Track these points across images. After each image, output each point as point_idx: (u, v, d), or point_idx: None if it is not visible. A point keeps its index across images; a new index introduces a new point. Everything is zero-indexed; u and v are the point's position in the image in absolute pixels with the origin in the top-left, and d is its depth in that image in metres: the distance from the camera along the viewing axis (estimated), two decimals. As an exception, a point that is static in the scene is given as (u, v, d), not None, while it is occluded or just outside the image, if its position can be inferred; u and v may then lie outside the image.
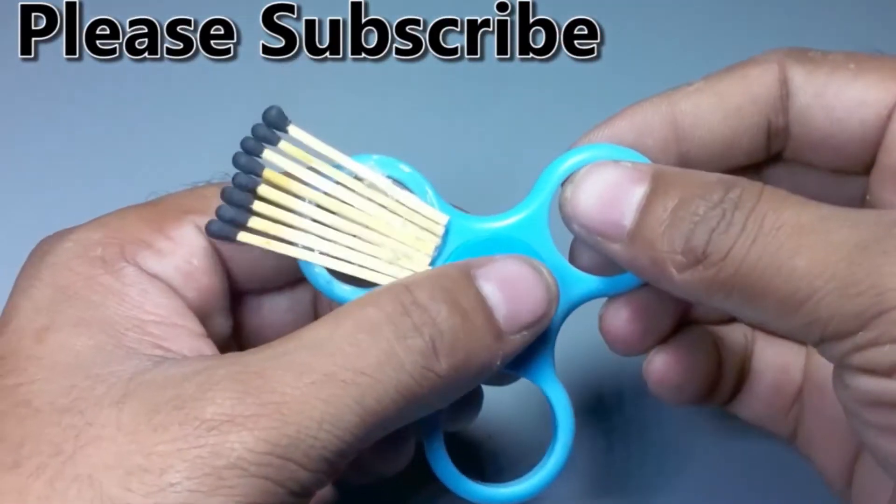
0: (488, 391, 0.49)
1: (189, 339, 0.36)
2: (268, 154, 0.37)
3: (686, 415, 0.53)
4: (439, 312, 0.34)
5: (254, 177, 0.36)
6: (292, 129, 0.37)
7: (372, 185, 0.38)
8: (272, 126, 0.37)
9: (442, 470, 0.39)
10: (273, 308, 0.42)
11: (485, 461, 0.53)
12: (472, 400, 0.44)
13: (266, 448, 0.30)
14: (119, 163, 0.62)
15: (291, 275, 0.41)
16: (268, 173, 0.37)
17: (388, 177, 0.38)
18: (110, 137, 0.64)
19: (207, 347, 0.36)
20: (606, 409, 0.54)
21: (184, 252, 0.38)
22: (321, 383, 0.32)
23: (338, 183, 0.37)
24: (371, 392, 0.32)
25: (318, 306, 0.43)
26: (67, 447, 0.30)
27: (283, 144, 0.37)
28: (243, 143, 0.37)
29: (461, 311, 0.34)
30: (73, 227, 0.37)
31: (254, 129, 0.37)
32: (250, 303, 0.42)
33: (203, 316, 0.38)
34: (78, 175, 0.62)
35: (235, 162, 0.36)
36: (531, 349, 0.38)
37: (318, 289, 0.38)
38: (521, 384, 0.41)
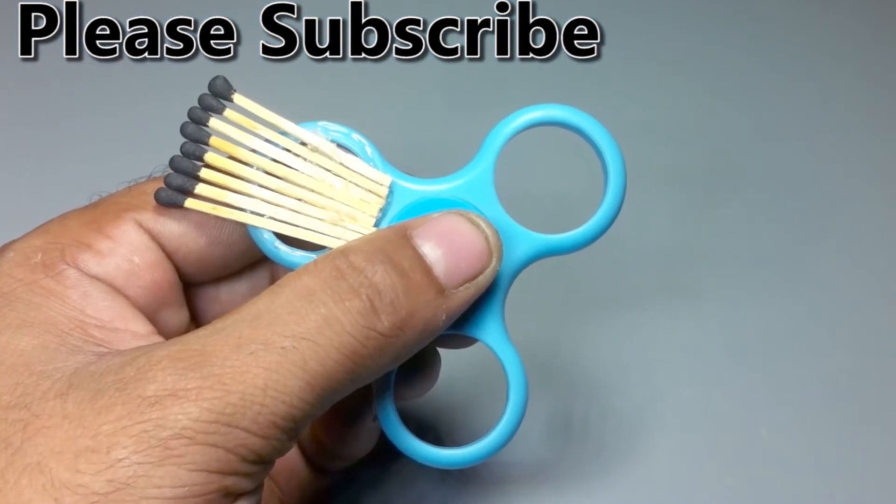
0: (485, 389, 0.48)
1: (133, 342, 0.35)
2: (214, 123, 0.37)
3: (645, 381, 0.53)
4: (375, 273, 0.34)
5: (201, 145, 0.37)
6: (237, 98, 0.37)
7: (316, 149, 0.38)
8: (218, 95, 0.37)
9: (393, 432, 0.39)
10: (231, 294, 0.42)
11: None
12: (426, 366, 0.44)
13: (210, 417, 0.30)
14: (119, 162, 0.62)
15: (244, 261, 0.41)
16: (214, 141, 0.37)
17: (333, 141, 0.38)
18: (110, 137, 0.64)
19: None
20: (565, 371, 0.53)
21: (124, 251, 0.37)
22: (261, 352, 0.32)
23: (283, 148, 0.37)
24: (313, 356, 0.32)
25: None
26: (15, 440, 0.31)
27: (228, 112, 0.37)
28: (190, 113, 0.37)
29: (398, 270, 0.34)
30: (17, 238, 0.37)
31: (200, 99, 0.37)
32: (207, 292, 0.42)
33: (152, 312, 0.38)
34: (78, 175, 0.62)
35: (183, 131, 0.37)
36: (480, 308, 0.38)
37: (266, 253, 0.38)
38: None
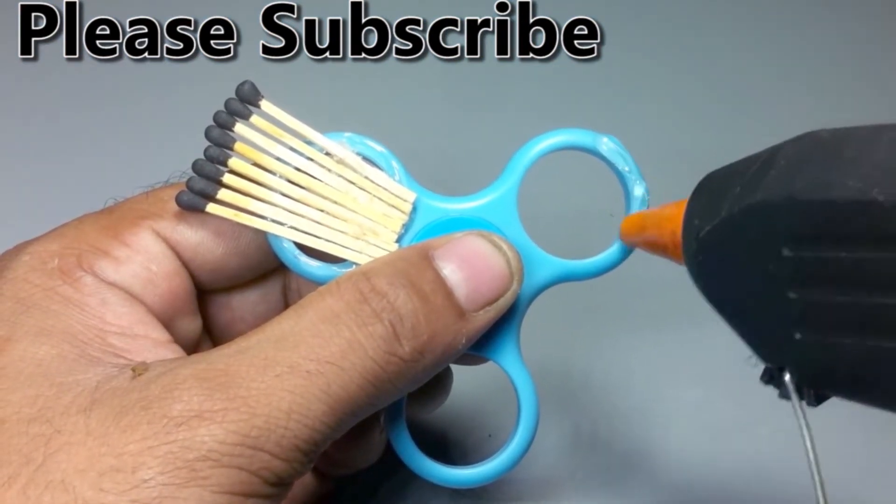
0: (487, 390, 0.48)
1: (153, 349, 0.35)
2: (240, 128, 0.37)
3: (654, 400, 0.53)
4: (398, 297, 0.34)
5: (225, 150, 0.36)
6: (265, 105, 0.37)
7: (341, 162, 0.38)
8: (245, 101, 0.37)
9: (405, 452, 0.39)
10: (243, 301, 0.42)
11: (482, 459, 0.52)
12: (437, 382, 0.44)
13: (236, 439, 0.30)
14: (119, 162, 0.62)
15: (259, 271, 0.41)
16: (239, 146, 0.36)
17: (359, 154, 0.38)
18: (110, 137, 0.64)
19: (172, 355, 0.35)
20: (574, 393, 0.53)
21: (142, 258, 0.37)
22: (286, 375, 0.32)
23: (308, 158, 0.37)
24: (337, 380, 0.32)
25: (288, 296, 0.43)
26: (37, 455, 0.30)
27: (254, 119, 0.37)
28: (216, 117, 0.37)
29: (420, 294, 0.34)
30: (31, 240, 0.37)
31: (227, 104, 0.37)
32: (219, 298, 0.42)
33: (168, 320, 0.38)
34: (78, 175, 0.62)
35: (207, 135, 0.36)
36: (496, 329, 0.37)
37: (286, 263, 0.38)
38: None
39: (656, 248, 0.35)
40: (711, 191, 0.32)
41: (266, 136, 0.37)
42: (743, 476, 0.50)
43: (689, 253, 0.32)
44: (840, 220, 0.27)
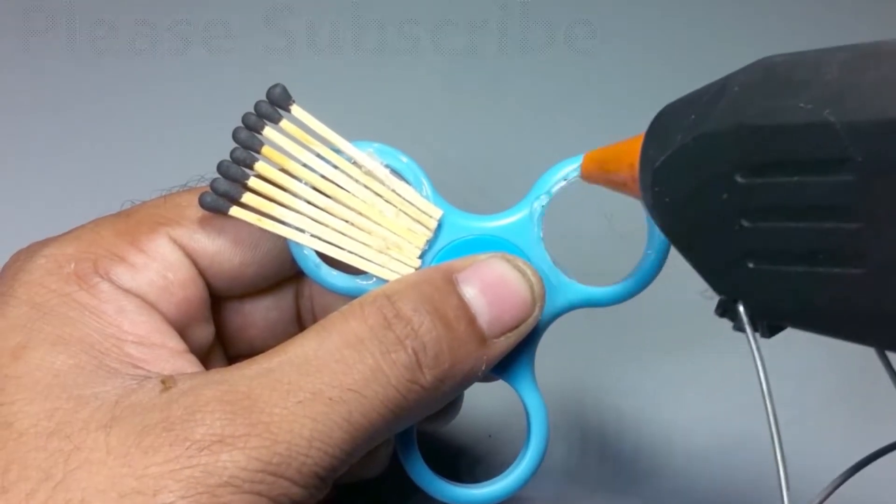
0: (488, 391, 0.49)
1: (170, 360, 0.35)
2: (269, 132, 0.36)
3: (661, 421, 0.53)
4: (422, 324, 0.34)
5: (252, 153, 0.36)
6: (295, 109, 0.37)
7: (369, 173, 0.37)
8: (275, 104, 0.36)
9: (415, 470, 0.39)
10: (255, 308, 0.42)
11: (483, 460, 0.52)
12: (450, 403, 0.43)
13: (258, 466, 0.30)
14: (119, 162, 0.62)
15: (275, 279, 0.41)
16: (266, 150, 0.36)
17: (387, 166, 0.38)
18: (110, 137, 0.64)
19: (189, 366, 0.35)
20: (583, 413, 0.53)
21: (158, 266, 0.36)
22: (309, 402, 0.32)
23: (335, 167, 0.37)
24: (358, 408, 0.32)
25: (300, 303, 0.42)
26: (56, 472, 0.30)
27: (284, 123, 0.36)
28: (245, 119, 0.36)
29: (444, 321, 0.34)
30: (46, 241, 0.36)
31: (256, 106, 0.36)
32: (231, 304, 0.41)
33: (182, 328, 0.37)
34: (78, 175, 0.62)
35: (235, 136, 0.36)
36: (512, 353, 0.37)
37: (306, 272, 0.37)
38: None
39: (616, 183, 0.35)
40: (667, 122, 0.31)
41: (294, 142, 0.37)
42: (750, 488, 0.51)
43: (645, 185, 0.31)
44: (791, 144, 0.27)
